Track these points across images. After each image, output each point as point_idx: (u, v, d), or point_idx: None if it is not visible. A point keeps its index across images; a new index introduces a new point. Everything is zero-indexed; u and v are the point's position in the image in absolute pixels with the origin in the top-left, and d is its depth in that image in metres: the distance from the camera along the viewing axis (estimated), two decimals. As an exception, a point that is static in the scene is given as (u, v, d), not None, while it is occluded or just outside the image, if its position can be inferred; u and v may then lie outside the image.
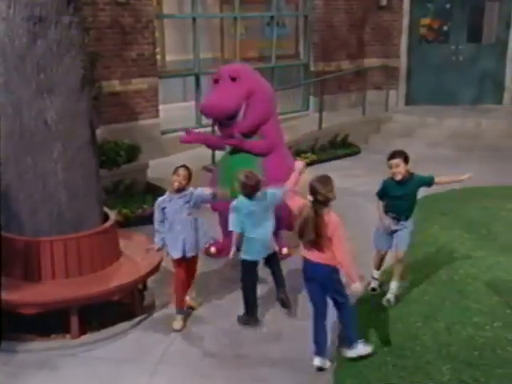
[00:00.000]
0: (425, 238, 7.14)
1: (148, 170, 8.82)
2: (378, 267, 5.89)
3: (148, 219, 7.57)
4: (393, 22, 13.22)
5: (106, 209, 5.89)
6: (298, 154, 10.56)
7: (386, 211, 5.62)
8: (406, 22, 13.23)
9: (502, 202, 8.38)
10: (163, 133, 10.09)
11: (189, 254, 5.26)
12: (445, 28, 13.55)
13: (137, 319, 5.40)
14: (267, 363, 4.78)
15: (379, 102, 12.78)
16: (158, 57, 11.08)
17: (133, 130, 9.43)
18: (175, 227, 5.22)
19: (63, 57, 5.06)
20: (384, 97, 12.79)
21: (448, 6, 13.38)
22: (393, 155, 5.46)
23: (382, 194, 5.64)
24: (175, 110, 11.00)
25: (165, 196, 5.30)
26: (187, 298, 5.55)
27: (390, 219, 5.59)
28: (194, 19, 10.61)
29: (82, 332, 5.10)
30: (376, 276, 5.89)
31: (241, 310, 5.43)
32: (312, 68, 12.54)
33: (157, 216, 5.30)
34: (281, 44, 12.49)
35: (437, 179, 5.55)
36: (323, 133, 11.35)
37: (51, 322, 5.10)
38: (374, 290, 5.83)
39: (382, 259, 5.87)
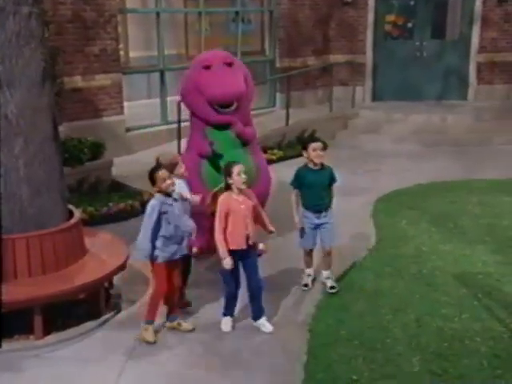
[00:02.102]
0: (393, 231, 7.19)
1: (113, 167, 8.67)
2: (311, 264, 5.89)
3: (113, 217, 7.57)
4: (358, 18, 13.27)
5: (70, 206, 5.74)
6: (265, 150, 10.49)
7: (306, 204, 5.62)
8: (371, 18, 13.29)
9: (467, 196, 8.49)
10: (128, 130, 9.95)
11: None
12: (409, 24, 13.69)
13: (103, 318, 5.28)
14: (238, 361, 4.70)
15: (346, 98, 12.82)
16: (122, 53, 10.92)
17: (97, 127, 9.26)
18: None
19: (23, 48, 4.91)
20: (350, 93, 12.83)
21: (412, 2, 13.51)
22: (314, 140, 5.52)
23: (298, 184, 5.62)
24: (140, 107, 10.85)
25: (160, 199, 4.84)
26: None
27: (301, 215, 5.62)
28: (157, 14, 10.48)
29: (47, 332, 4.96)
30: (310, 273, 5.87)
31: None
32: (278, 64, 12.51)
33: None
34: (246, 40, 12.43)
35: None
36: (290, 129, 11.33)
37: (14, 323, 4.94)
38: (306, 285, 5.80)
39: (311, 256, 5.87)
